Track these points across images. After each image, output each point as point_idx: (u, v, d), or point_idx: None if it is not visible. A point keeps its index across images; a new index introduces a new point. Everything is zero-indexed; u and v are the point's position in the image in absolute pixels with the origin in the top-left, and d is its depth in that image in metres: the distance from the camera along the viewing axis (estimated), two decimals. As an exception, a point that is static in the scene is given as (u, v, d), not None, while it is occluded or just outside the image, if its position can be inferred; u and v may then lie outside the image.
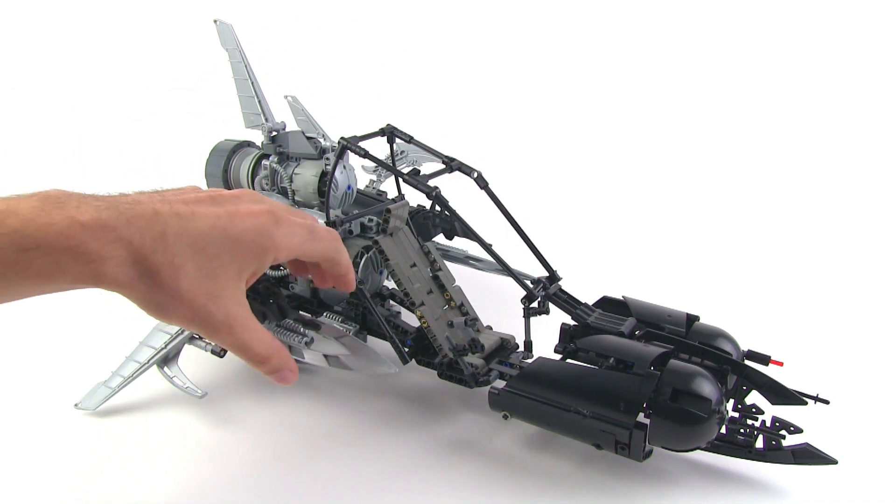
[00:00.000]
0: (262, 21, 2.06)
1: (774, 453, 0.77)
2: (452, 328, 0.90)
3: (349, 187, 0.99)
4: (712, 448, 0.79)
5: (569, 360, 0.85)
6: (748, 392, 0.79)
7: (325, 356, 0.82)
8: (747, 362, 0.84)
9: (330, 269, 0.68)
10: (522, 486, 0.81)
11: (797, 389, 0.79)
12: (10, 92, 2.05)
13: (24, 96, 2.07)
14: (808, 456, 0.76)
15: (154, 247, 0.50)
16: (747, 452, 0.78)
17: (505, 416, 0.83)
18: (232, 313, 0.55)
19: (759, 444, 0.78)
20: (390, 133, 0.98)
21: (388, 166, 0.96)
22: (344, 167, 0.98)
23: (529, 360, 0.87)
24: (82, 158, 1.86)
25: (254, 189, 1.01)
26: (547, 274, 0.93)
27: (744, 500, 0.79)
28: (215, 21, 1.00)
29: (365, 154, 0.92)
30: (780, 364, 0.84)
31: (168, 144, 1.88)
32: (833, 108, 1.99)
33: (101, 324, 1.09)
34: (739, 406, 0.79)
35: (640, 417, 0.75)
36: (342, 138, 0.92)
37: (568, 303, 0.88)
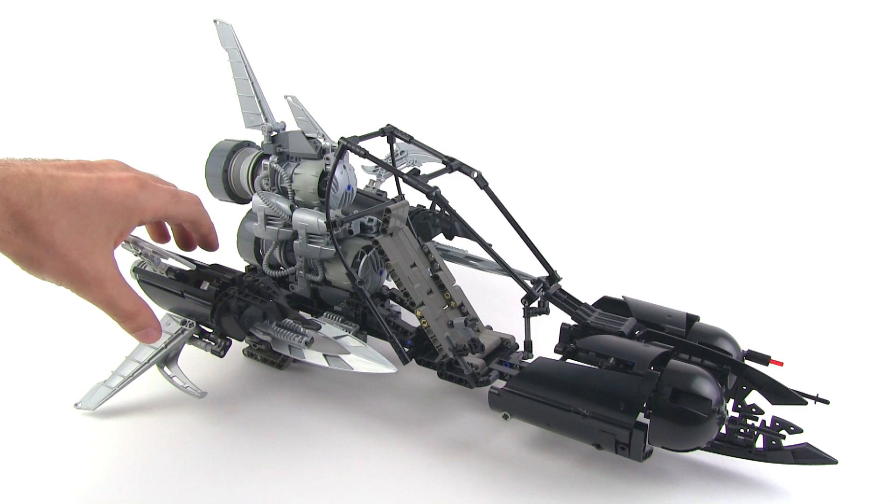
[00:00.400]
0: (262, 21, 2.06)
1: (774, 453, 0.77)
2: (452, 328, 0.90)
3: (349, 187, 0.99)
4: (712, 448, 0.79)
5: (569, 360, 0.85)
6: (748, 392, 0.79)
7: (325, 356, 0.82)
8: (747, 362, 0.84)
9: (194, 230, 0.76)
10: (522, 487, 0.81)
11: (797, 389, 0.79)
12: (8, 90, 2.05)
13: (21, 96, 2.07)
14: (808, 456, 0.76)
15: (30, 203, 0.54)
16: (747, 452, 0.78)
17: (505, 416, 0.83)
18: (102, 269, 0.60)
19: (759, 444, 0.78)
20: (390, 133, 0.98)
21: (388, 166, 0.96)
22: (344, 167, 0.98)
23: (529, 360, 0.87)
24: (80, 156, 1.86)
25: (254, 189, 1.01)
26: (547, 274, 0.93)
27: (744, 500, 0.79)
28: (215, 21, 1.00)
29: (365, 154, 0.92)
30: (780, 364, 0.84)
31: (168, 144, 1.88)
32: (832, 108, 1.98)
33: (101, 323, 1.09)
34: (739, 406, 0.79)
35: (641, 417, 0.75)
36: (342, 138, 0.92)
37: (568, 303, 0.88)
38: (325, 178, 0.96)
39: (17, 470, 0.82)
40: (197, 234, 0.77)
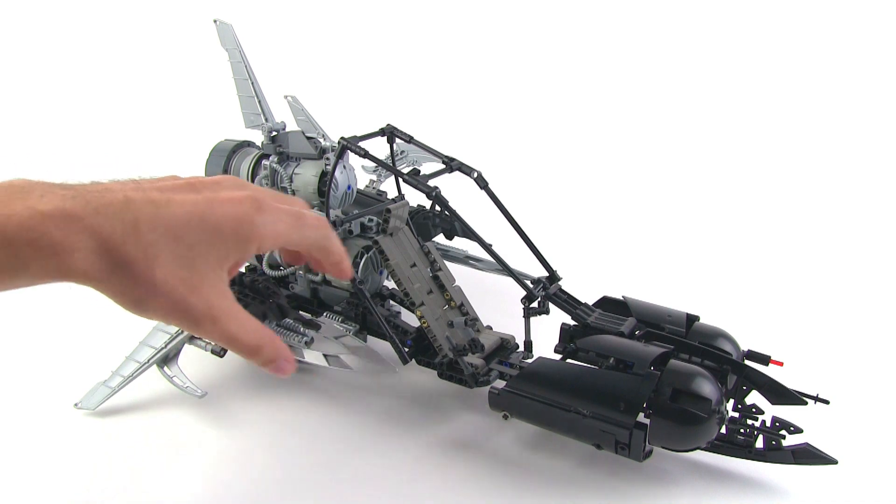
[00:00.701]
0: (261, 21, 2.05)
1: (774, 453, 0.77)
2: (452, 328, 0.90)
3: (349, 187, 0.99)
4: (712, 448, 0.79)
5: (569, 361, 0.85)
6: (748, 392, 0.80)
7: (325, 356, 0.82)
8: (747, 362, 0.84)
9: (322, 258, 0.64)
10: (522, 487, 0.81)
11: (797, 389, 0.79)
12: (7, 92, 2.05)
13: (21, 96, 2.07)
14: (808, 456, 0.76)
15: (125, 236, 0.47)
16: (747, 452, 0.78)
17: (505, 416, 0.83)
18: (214, 304, 0.52)
19: (760, 444, 0.78)
20: (390, 133, 0.98)
21: (387, 166, 0.96)
22: (344, 167, 0.98)
23: (529, 360, 0.87)
24: (80, 158, 1.86)
25: None
26: (547, 274, 0.93)
27: (744, 499, 0.79)
28: (215, 21, 1.00)
29: (365, 154, 0.92)
30: (780, 364, 0.84)
31: (168, 144, 1.88)
32: (832, 108, 1.98)
33: (101, 323, 1.09)
34: (739, 406, 0.79)
35: (641, 417, 0.76)
36: (342, 138, 0.92)
37: (568, 303, 0.88)
38: (325, 178, 0.96)
39: (17, 470, 0.82)
40: (326, 261, 0.65)
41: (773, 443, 0.77)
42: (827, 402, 0.79)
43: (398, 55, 2.17)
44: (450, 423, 0.92)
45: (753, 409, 0.79)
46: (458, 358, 0.86)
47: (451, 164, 0.95)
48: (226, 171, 1.04)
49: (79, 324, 1.10)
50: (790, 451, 0.76)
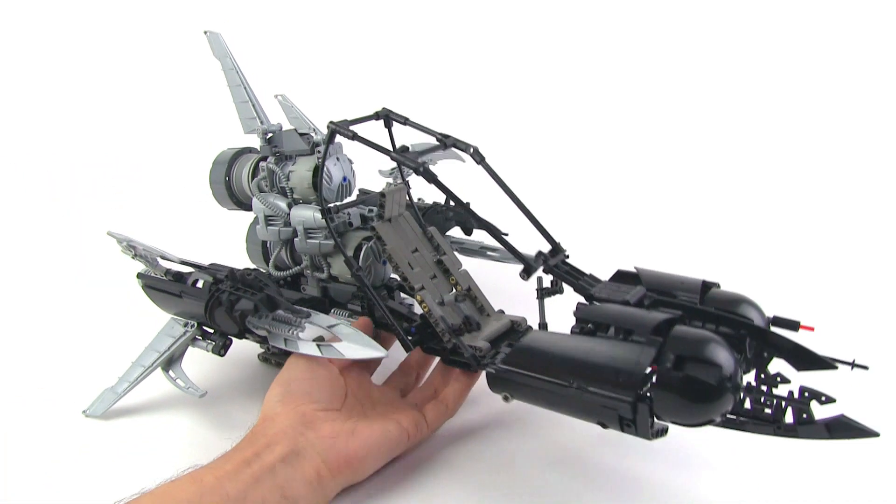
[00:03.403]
0: (248, 22, 2.06)
1: (806, 427, 0.67)
2: (444, 306, 0.87)
3: (344, 178, 0.97)
4: (736, 425, 0.70)
5: (563, 332, 0.79)
6: (769, 359, 0.71)
7: (318, 346, 0.79)
8: (773, 329, 0.75)
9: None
10: (523, 486, 0.78)
11: (828, 356, 0.70)
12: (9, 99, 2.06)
13: (23, 105, 2.07)
14: (845, 429, 0.65)
15: None
16: (775, 428, 0.68)
17: (506, 398, 0.78)
18: None
19: (789, 418, 0.69)
20: (385, 116, 0.94)
21: (374, 145, 0.91)
22: (338, 159, 0.97)
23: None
24: (91, 169, 1.92)
25: (252, 191, 1.00)
26: (550, 247, 0.88)
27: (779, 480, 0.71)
28: (205, 32, 1.02)
29: (354, 136, 0.88)
30: (811, 329, 0.75)
31: (174, 153, 1.92)
32: (841, 92, 1.90)
33: (108, 330, 1.15)
34: (762, 376, 0.70)
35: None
36: (331, 122, 0.89)
37: (570, 274, 0.83)
38: (325, 175, 0.95)
39: (25, 472, 0.83)
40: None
41: (804, 416, 0.67)
42: (866, 367, 0.69)
43: (394, 51, 2.14)
44: (449, 423, 0.88)
45: (778, 378, 0.69)
46: (456, 339, 0.82)
47: (446, 141, 0.91)
48: (228, 178, 1.04)
49: (87, 331, 1.15)
50: (823, 424, 0.66)
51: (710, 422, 0.68)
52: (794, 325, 0.76)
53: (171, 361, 0.91)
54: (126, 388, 0.90)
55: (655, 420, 0.69)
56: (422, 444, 0.86)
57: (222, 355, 0.90)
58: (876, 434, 0.65)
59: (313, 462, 0.69)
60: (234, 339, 0.91)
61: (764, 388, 0.69)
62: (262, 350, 1.04)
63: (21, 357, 1.08)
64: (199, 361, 0.98)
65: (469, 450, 0.86)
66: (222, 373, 1.01)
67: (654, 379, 0.68)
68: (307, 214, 0.95)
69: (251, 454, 0.67)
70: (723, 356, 0.65)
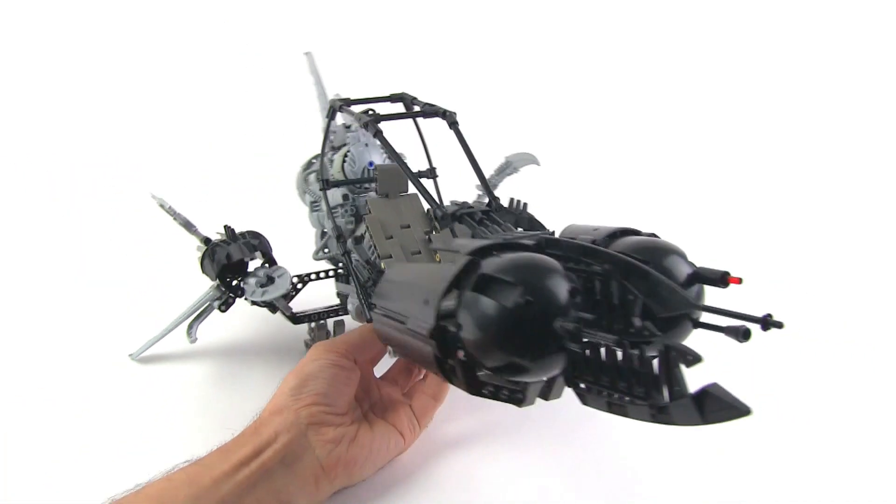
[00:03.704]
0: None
1: (679, 408, 0.44)
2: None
3: (371, 164, 0.99)
4: (605, 404, 0.49)
5: (407, 263, 0.71)
6: (635, 302, 0.51)
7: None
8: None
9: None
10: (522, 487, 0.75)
11: (741, 311, 0.49)
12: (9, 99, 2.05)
13: (23, 105, 2.04)
14: (717, 405, 0.41)
15: None
16: (653, 414, 0.46)
17: (390, 353, 0.69)
18: None
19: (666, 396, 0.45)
20: (400, 99, 0.95)
21: (366, 126, 0.86)
22: (366, 145, 1.00)
23: None
24: (91, 169, 1.91)
25: (298, 184, 1.09)
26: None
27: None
28: (306, 53, 1.16)
29: (342, 107, 0.90)
30: (738, 282, 0.54)
31: (175, 153, 1.94)
32: (835, 88, 1.92)
33: (109, 328, 1.17)
34: (631, 330, 0.51)
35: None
36: (334, 99, 0.93)
37: (482, 223, 0.71)
38: (348, 157, 0.99)
39: (27, 476, 0.81)
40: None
41: (675, 387, 0.45)
42: (780, 325, 0.48)
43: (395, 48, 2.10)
44: (450, 423, 0.86)
45: (647, 332, 0.49)
46: None
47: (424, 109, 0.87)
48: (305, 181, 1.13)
49: (87, 331, 1.17)
50: (691, 397, 0.43)
51: (536, 368, 0.51)
52: (721, 278, 0.55)
53: (199, 316, 1.01)
54: (160, 333, 1.02)
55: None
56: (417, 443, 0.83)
57: (223, 311, 0.97)
58: (747, 411, 0.41)
59: (312, 466, 0.68)
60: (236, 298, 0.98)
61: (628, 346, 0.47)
62: (308, 337, 1.07)
63: (21, 357, 1.08)
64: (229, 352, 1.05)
65: (467, 452, 0.81)
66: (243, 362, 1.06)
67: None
68: (335, 195, 0.99)
69: (251, 453, 0.66)
70: (534, 278, 0.50)
